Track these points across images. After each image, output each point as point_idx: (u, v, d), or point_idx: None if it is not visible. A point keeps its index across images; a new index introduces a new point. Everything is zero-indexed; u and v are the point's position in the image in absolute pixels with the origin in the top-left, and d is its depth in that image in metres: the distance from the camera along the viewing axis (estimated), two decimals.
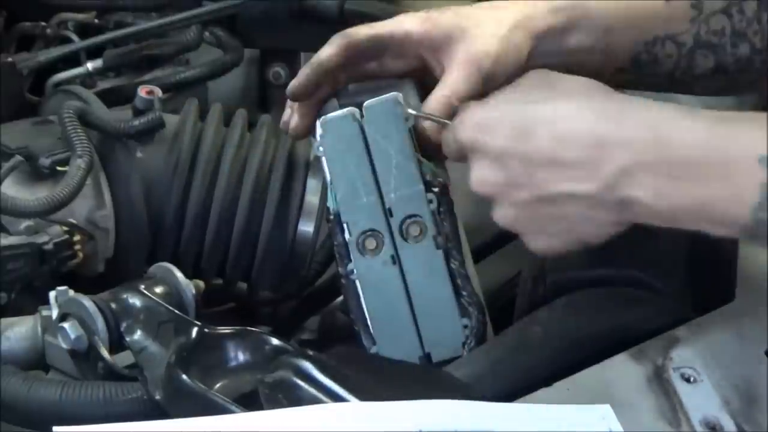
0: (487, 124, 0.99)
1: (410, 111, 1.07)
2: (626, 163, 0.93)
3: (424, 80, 1.12)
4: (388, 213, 1.07)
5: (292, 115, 1.11)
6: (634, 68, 1.12)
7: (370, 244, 1.07)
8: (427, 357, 1.08)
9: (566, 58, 1.09)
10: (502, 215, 1.01)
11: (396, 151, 1.06)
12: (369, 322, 1.08)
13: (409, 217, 1.07)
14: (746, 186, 0.89)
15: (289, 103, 1.13)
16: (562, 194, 0.96)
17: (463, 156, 1.03)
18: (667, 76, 1.12)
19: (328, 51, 1.09)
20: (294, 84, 1.08)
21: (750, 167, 0.89)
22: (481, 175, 1.00)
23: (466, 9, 1.12)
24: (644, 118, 0.95)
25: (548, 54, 1.09)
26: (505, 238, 1.60)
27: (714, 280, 1.13)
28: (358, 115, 1.07)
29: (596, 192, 0.94)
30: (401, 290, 1.07)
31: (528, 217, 0.99)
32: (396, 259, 1.07)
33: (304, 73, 1.08)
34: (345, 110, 1.08)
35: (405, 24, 1.11)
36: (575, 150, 0.95)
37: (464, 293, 1.07)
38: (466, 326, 1.07)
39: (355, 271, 1.08)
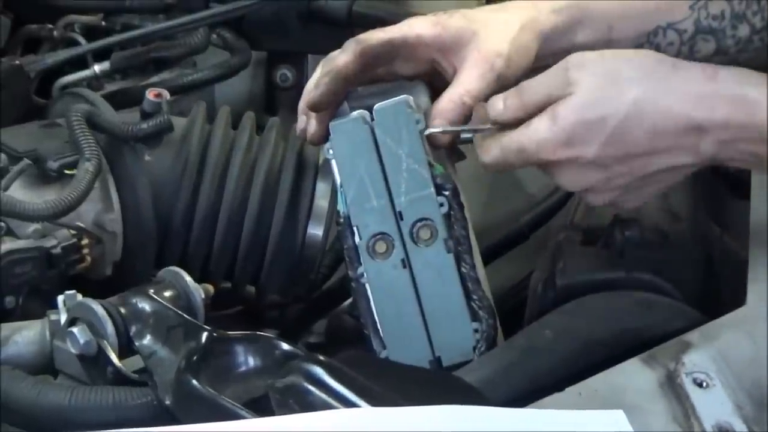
0: (571, 139, 1.01)
1: (437, 127, 1.07)
2: (723, 138, 0.99)
3: (433, 83, 1.12)
4: (398, 216, 1.07)
5: (308, 122, 1.11)
6: None
7: (381, 247, 1.07)
8: (437, 361, 1.08)
9: None
10: (595, 198, 1.06)
11: (406, 154, 1.06)
12: (379, 326, 1.07)
13: (420, 220, 1.06)
14: None
15: (302, 109, 1.12)
16: (661, 170, 1.02)
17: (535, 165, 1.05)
18: None
19: (344, 58, 1.08)
20: (315, 95, 1.08)
21: None
22: (572, 180, 1.04)
23: (473, 12, 1.13)
24: (733, 93, 0.99)
25: (554, 53, 1.10)
26: (515, 240, 1.60)
27: (725, 283, 1.13)
28: (368, 118, 1.07)
29: (694, 162, 1.02)
30: (411, 294, 1.07)
31: (623, 193, 1.05)
32: (406, 262, 1.07)
33: (323, 83, 1.08)
34: (355, 113, 1.08)
35: (416, 27, 1.11)
36: (671, 138, 1.00)
37: (475, 297, 1.07)
38: (476, 330, 1.07)
39: (365, 274, 1.07)
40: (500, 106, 1.05)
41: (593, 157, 1.01)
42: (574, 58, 1.03)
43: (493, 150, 1.05)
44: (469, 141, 1.11)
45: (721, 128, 0.98)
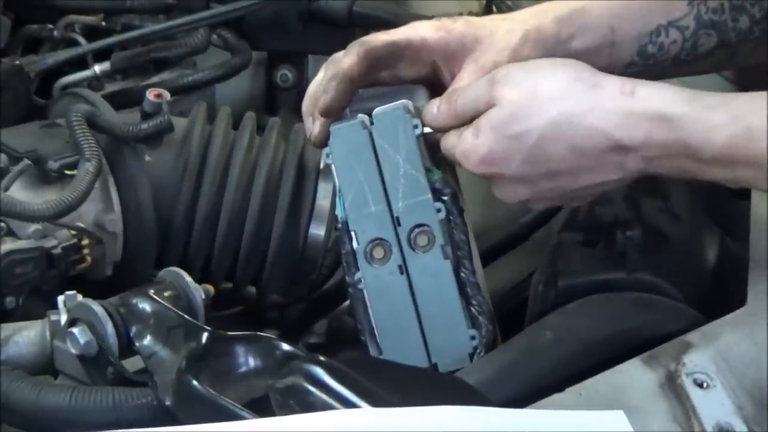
0: (493, 159, 1.02)
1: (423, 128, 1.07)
2: (648, 156, 0.98)
3: (435, 88, 1.12)
4: (396, 222, 1.06)
5: (314, 124, 1.11)
6: (642, 60, 1.13)
7: (378, 253, 1.07)
8: (433, 368, 1.07)
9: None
10: (534, 206, 1.10)
11: (404, 159, 1.06)
12: (376, 332, 1.07)
13: (417, 226, 1.06)
14: None
15: (307, 111, 1.12)
16: (590, 186, 1.02)
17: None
18: (673, 61, 1.14)
19: (349, 60, 1.08)
20: (326, 100, 1.08)
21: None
22: (505, 194, 1.05)
23: (478, 19, 1.14)
24: (649, 109, 0.98)
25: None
26: (515, 240, 1.60)
27: (725, 284, 1.13)
28: (367, 123, 1.07)
29: (623, 177, 1.01)
30: (409, 300, 1.07)
31: (559, 201, 1.09)
32: (404, 268, 1.07)
33: (332, 87, 1.08)
34: (354, 118, 1.07)
35: (420, 30, 1.11)
36: (595, 156, 0.99)
37: (474, 302, 1.07)
38: (473, 337, 1.06)
39: (362, 280, 1.07)
40: (434, 111, 1.06)
41: (513, 173, 1.02)
42: (501, 71, 1.03)
43: (442, 144, 1.07)
44: None
45: (643, 147, 0.98)
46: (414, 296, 1.07)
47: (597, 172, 1.00)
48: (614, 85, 0.99)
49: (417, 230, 1.07)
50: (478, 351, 1.07)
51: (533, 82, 1.01)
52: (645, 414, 0.92)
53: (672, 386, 0.95)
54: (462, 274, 1.07)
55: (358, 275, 1.07)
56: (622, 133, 0.97)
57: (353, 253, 1.07)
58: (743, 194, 1.20)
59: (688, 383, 0.95)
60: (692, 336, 1.01)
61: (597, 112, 0.98)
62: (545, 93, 1.00)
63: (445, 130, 1.06)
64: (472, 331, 1.07)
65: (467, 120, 1.03)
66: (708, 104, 0.97)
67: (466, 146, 1.03)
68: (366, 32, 1.62)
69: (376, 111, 1.07)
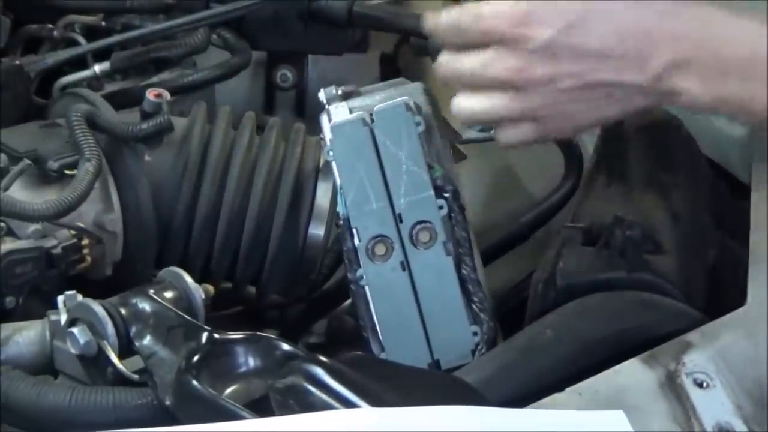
0: (531, 16, 1.00)
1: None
2: (676, 57, 0.98)
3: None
4: (397, 219, 1.07)
5: None
6: None
7: (380, 249, 1.07)
8: (435, 364, 1.08)
9: None
10: (531, 100, 1.02)
11: (406, 156, 1.06)
12: (378, 329, 1.07)
13: (419, 223, 1.06)
14: None
15: None
16: (610, 82, 1.00)
17: (478, 46, 1.02)
18: None
19: None
20: None
21: None
22: (519, 69, 1.01)
23: None
24: (697, 14, 0.99)
25: None
26: (515, 240, 1.60)
27: (725, 284, 1.13)
28: (368, 119, 1.07)
29: (644, 82, 0.99)
30: (411, 297, 1.07)
31: (564, 102, 1.03)
32: (406, 265, 1.07)
33: None
34: (355, 115, 1.08)
35: None
36: (626, 43, 0.99)
37: (476, 299, 1.07)
38: (476, 333, 1.07)
39: (364, 276, 1.07)
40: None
41: (547, 40, 0.99)
42: None
43: (452, 13, 1.04)
44: (472, 141, 1.11)
45: (673, 41, 0.98)
46: (416, 293, 1.07)
47: (620, 65, 0.99)
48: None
49: (419, 227, 1.07)
50: (479, 347, 1.07)
51: None
52: (645, 414, 0.92)
53: (672, 386, 0.95)
54: (463, 271, 1.07)
55: (359, 272, 1.08)
56: (663, 24, 0.98)
57: (355, 250, 1.08)
58: (744, 194, 1.20)
59: (687, 383, 0.95)
60: (692, 336, 1.00)
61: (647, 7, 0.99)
62: None
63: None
64: (474, 328, 1.07)
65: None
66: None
67: (502, 6, 1.01)
68: (366, 32, 1.64)
69: (377, 108, 1.07)
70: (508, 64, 1.01)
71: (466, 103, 1.05)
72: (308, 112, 1.68)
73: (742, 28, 0.98)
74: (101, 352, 1.01)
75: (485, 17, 1.02)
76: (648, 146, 1.35)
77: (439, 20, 1.05)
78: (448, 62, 1.05)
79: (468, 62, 1.03)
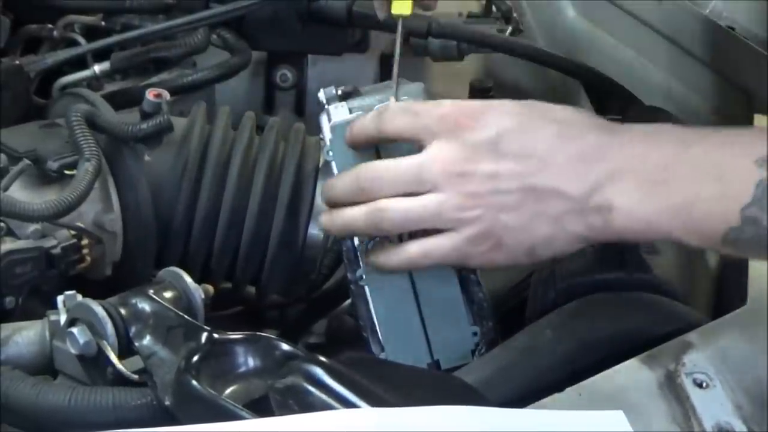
0: (481, 112, 1.01)
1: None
2: (613, 167, 0.96)
3: None
4: None
5: None
6: None
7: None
8: (435, 364, 1.08)
9: None
10: (470, 198, 1.01)
11: (405, 155, 1.06)
12: (377, 329, 1.07)
13: None
14: (739, 185, 0.90)
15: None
16: (550, 189, 0.99)
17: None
18: None
19: None
20: None
21: (746, 168, 0.90)
22: (465, 156, 1.00)
23: None
24: (639, 128, 0.99)
25: None
26: None
27: (725, 284, 1.13)
28: None
29: (580, 194, 0.98)
30: (410, 296, 1.07)
31: (512, 208, 1.00)
32: None
33: None
34: (355, 115, 1.08)
35: None
36: (569, 150, 0.98)
37: (475, 299, 1.07)
38: (476, 333, 1.07)
39: (364, 276, 1.07)
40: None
41: (494, 136, 1.00)
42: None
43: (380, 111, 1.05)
44: None
45: (613, 152, 0.97)
46: (416, 293, 1.07)
47: (564, 170, 0.98)
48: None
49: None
50: (479, 347, 1.07)
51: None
52: (644, 414, 0.92)
53: (671, 386, 0.95)
54: (463, 271, 1.07)
55: (359, 272, 1.08)
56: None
57: (354, 250, 1.08)
58: None
59: (687, 383, 0.95)
60: (692, 336, 1.01)
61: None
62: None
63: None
64: (474, 328, 1.07)
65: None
66: None
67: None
68: (365, 32, 1.64)
69: (377, 108, 1.07)
70: (452, 155, 1.01)
71: (396, 205, 1.03)
72: (308, 112, 1.68)
73: (684, 134, 0.96)
74: (101, 352, 1.01)
75: (428, 112, 1.03)
76: None
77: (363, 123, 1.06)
78: (373, 167, 1.05)
79: (406, 163, 1.03)
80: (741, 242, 0.91)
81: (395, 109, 1.04)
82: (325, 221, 1.08)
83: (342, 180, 1.06)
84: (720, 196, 0.91)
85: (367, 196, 1.04)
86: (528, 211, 1.00)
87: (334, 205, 1.07)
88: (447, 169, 1.01)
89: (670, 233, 0.95)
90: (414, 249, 1.04)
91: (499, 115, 1.01)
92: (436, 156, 1.01)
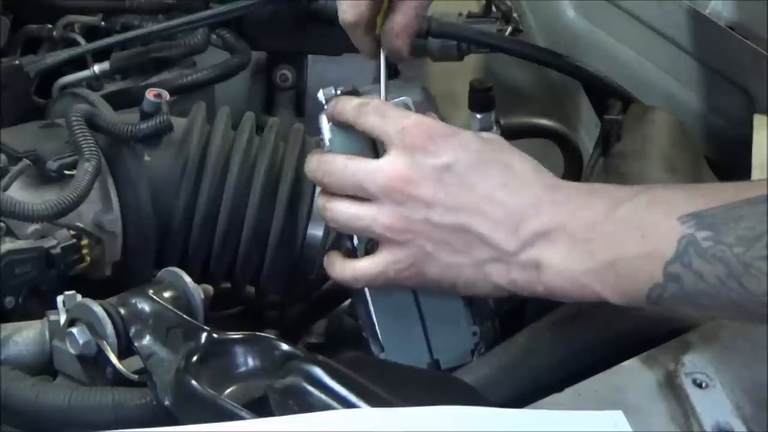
0: (444, 135, 1.02)
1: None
2: (546, 225, 0.97)
3: None
4: None
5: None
6: None
7: None
8: (435, 364, 1.08)
9: None
10: (403, 217, 1.01)
11: None
12: (377, 329, 1.07)
13: None
14: (663, 242, 0.91)
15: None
16: (481, 236, 0.99)
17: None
18: None
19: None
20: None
21: (670, 226, 0.91)
22: (410, 175, 1.00)
23: None
24: (576, 186, 1.00)
25: None
26: None
27: None
28: None
29: (509, 249, 0.99)
30: (410, 296, 1.07)
31: (440, 242, 1.01)
32: None
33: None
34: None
35: None
36: (508, 203, 0.99)
37: (475, 299, 1.07)
38: (475, 333, 1.07)
39: None
40: None
41: (445, 163, 1.00)
42: None
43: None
44: None
45: (548, 213, 0.98)
46: (415, 293, 1.07)
47: (497, 227, 0.99)
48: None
49: None
50: (479, 347, 1.07)
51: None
52: (644, 414, 0.92)
53: (671, 386, 0.95)
54: None
55: None
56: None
57: (354, 250, 1.08)
58: None
59: (687, 383, 0.95)
60: (691, 336, 1.01)
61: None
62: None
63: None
64: (474, 327, 1.07)
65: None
66: None
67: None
68: None
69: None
70: (398, 171, 1.01)
71: (339, 207, 1.04)
72: (307, 112, 1.68)
73: (614, 195, 0.96)
74: (100, 352, 1.01)
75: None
76: (647, 145, 1.36)
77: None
78: (330, 161, 1.06)
79: (358, 166, 1.03)
80: (664, 300, 0.92)
81: (371, 107, 1.05)
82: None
83: (309, 160, 1.07)
84: (644, 254, 0.92)
85: (323, 186, 1.06)
86: (453, 250, 1.01)
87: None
88: (389, 183, 1.01)
89: (598, 293, 0.96)
90: (348, 270, 1.06)
91: (457, 146, 1.01)
92: (384, 167, 1.02)
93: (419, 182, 1.00)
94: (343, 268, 1.06)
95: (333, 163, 1.05)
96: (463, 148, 1.01)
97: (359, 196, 1.03)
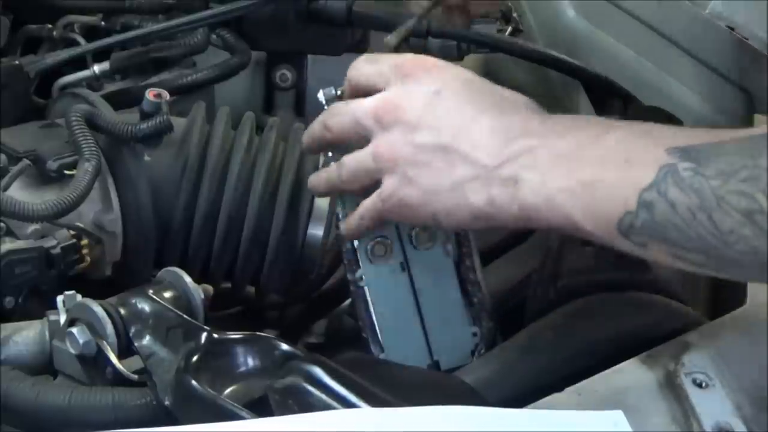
0: (423, 61, 1.03)
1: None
2: (529, 144, 0.95)
3: None
4: None
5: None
6: None
7: (380, 250, 1.07)
8: (435, 364, 1.08)
9: None
10: (392, 166, 1.01)
11: None
12: (377, 329, 1.07)
13: None
14: (644, 170, 0.88)
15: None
16: (461, 153, 0.98)
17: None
18: None
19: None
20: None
21: (656, 155, 0.88)
22: (391, 98, 1.02)
23: None
24: (568, 116, 1.00)
25: None
26: (515, 240, 1.60)
27: (725, 283, 1.13)
28: None
29: (490, 164, 0.96)
30: (410, 297, 1.07)
31: (421, 165, 1.00)
32: (405, 266, 1.07)
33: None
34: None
35: None
36: (492, 124, 0.98)
37: (475, 300, 1.07)
38: (475, 334, 1.07)
39: (364, 277, 1.07)
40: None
41: (432, 89, 1.00)
42: None
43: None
44: None
45: (534, 137, 0.96)
46: (415, 293, 1.07)
47: (481, 146, 0.97)
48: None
49: (418, 228, 1.07)
50: (479, 348, 1.07)
51: None
52: (644, 414, 0.92)
53: (671, 386, 0.95)
54: (463, 271, 1.07)
55: (359, 273, 1.08)
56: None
57: (354, 250, 1.08)
58: None
59: (687, 383, 0.95)
60: (691, 336, 1.01)
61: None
62: None
63: None
64: (474, 328, 1.07)
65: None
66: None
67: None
68: (365, 32, 1.63)
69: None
70: (387, 99, 1.02)
71: (350, 157, 1.05)
72: (307, 112, 1.68)
73: (608, 125, 0.95)
74: (100, 352, 1.01)
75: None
76: None
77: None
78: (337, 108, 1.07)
79: (353, 103, 1.04)
80: (634, 230, 0.89)
81: (362, 59, 1.07)
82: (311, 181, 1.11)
83: (311, 126, 1.08)
84: (623, 179, 0.90)
85: (325, 143, 1.07)
86: (434, 172, 0.99)
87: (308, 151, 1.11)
88: (377, 111, 1.02)
89: (570, 216, 0.92)
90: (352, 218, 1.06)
91: (448, 75, 1.01)
92: (376, 98, 1.03)
93: (407, 107, 1.00)
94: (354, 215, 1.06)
95: (333, 108, 1.06)
96: (455, 78, 1.01)
97: (360, 135, 1.03)
